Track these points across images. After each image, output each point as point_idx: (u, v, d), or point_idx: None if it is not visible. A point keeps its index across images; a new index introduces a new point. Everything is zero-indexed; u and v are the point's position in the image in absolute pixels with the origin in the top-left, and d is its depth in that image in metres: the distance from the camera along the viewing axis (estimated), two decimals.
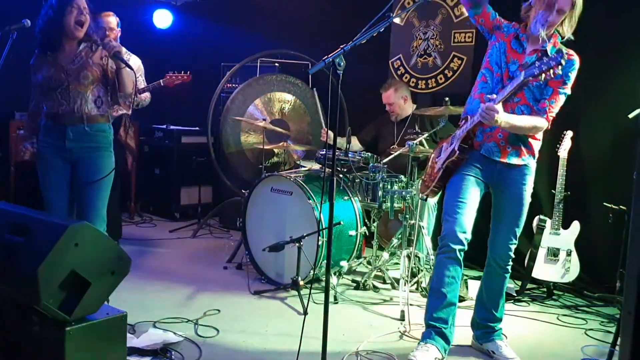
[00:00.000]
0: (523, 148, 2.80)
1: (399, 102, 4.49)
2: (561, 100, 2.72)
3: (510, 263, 2.92)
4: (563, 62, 2.45)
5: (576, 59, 2.70)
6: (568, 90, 2.72)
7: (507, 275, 2.94)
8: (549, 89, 2.71)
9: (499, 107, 2.58)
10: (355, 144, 4.66)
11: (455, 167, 2.86)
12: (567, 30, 2.69)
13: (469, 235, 2.81)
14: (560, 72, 2.50)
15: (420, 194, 3.08)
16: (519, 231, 2.88)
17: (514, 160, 2.80)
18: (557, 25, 2.68)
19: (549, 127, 2.77)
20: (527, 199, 2.86)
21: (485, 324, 2.99)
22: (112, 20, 4.20)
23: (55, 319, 2.10)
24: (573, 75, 2.71)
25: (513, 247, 2.89)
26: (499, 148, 2.80)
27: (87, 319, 2.17)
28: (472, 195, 2.82)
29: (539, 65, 2.47)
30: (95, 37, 3.18)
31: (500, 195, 2.88)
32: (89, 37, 3.16)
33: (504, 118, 2.60)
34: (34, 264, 2.02)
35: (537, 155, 2.86)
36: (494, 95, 2.64)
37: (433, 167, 3.00)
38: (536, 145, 2.84)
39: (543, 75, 2.48)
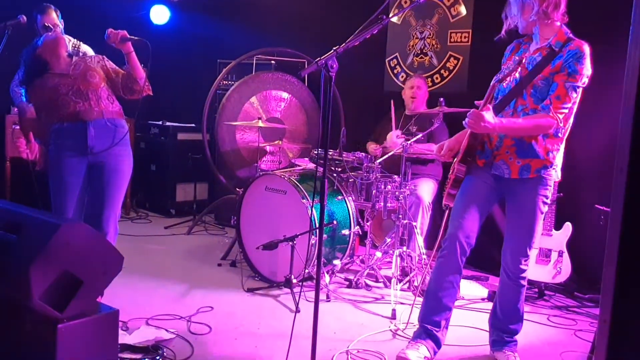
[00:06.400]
0: (534, 160, 2.64)
1: (422, 92, 4.50)
2: (570, 94, 2.53)
3: (523, 276, 2.79)
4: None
5: (581, 47, 2.51)
6: (578, 83, 2.52)
7: (521, 290, 2.82)
8: (554, 85, 2.54)
9: (485, 112, 2.50)
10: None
11: (464, 175, 2.78)
12: (545, 19, 2.56)
13: (472, 241, 2.75)
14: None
15: (444, 203, 2.91)
16: (530, 243, 2.73)
17: (526, 175, 2.66)
18: (533, 20, 2.60)
19: (560, 125, 2.56)
20: (541, 209, 2.70)
21: (498, 331, 2.91)
22: (54, 15, 3.77)
23: (47, 317, 2.11)
24: (580, 65, 2.50)
25: (524, 260, 2.75)
26: (507, 164, 2.69)
27: (79, 316, 2.19)
28: (480, 201, 2.76)
29: (507, 67, 2.48)
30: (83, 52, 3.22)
31: (512, 205, 2.76)
32: (78, 53, 3.19)
33: (494, 121, 2.51)
34: (27, 262, 2.03)
35: (555, 164, 2.67)
36: (481, 101, 2.60)
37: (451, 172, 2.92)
38: (552, 156, 2.64)
39: (509, 76, 2.47)
